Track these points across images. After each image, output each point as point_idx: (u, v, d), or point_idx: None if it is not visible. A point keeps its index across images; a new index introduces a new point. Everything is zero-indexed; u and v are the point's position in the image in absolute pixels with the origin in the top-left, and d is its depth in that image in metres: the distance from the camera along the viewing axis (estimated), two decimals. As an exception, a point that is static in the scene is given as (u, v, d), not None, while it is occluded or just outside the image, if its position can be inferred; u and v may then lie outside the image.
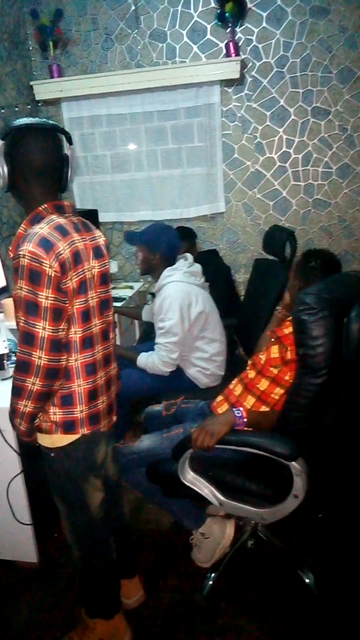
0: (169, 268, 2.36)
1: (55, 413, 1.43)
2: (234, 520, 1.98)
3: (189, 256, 2.48)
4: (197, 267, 2.45)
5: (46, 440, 1.48)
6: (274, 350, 1.78)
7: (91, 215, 3.17)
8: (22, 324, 1.32)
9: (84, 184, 3.69)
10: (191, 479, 1.72)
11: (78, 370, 1.41)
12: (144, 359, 2.36)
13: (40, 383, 1.33)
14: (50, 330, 1.30)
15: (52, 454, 1.49)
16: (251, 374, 1.85)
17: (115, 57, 3.38)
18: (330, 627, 1.75)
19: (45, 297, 1.28)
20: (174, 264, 2.39)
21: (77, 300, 1.37)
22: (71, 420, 1.43)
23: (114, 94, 3.37)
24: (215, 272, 3.21)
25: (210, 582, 1.89)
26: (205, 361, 2.40)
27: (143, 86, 3.27)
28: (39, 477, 1.65)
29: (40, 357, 1.31)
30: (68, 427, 1.44)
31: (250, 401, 1.79)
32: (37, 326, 1.29)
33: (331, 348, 1.48)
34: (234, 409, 1.66)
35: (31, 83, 3.37)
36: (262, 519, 1.72)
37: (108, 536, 1.64)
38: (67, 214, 1.42)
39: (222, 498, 1.71)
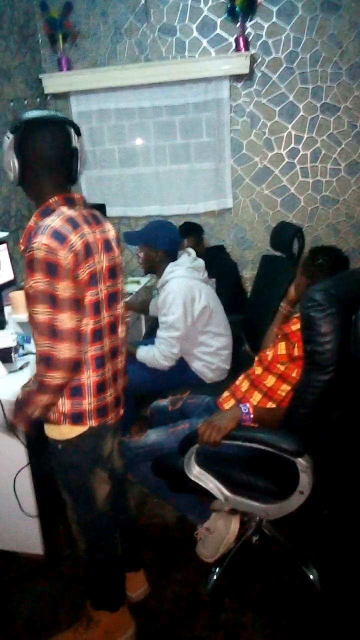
0: (172, 263, 2.36)
1: (64, 404, 1.43)
2: (239, 515, 1.99)
3: (192, 251, 2.48)
4: (200, 262, 2.45)
5: (54, 432, 1.49)
6: (281, 347, 1.78)
7: (98, 210, 3.17)
8: (41, 317, 1.30)
9: (91, 178, 3.68)
10: (197, 473, 1.72)
11: (88, 362, 1.41)
12: (144, 353, 2.36)
13: (63, 375, 1.33)
14: (71, 322, 1.31)
15: (60, 446, 1.49)
16: (258, 370, 1.85)
17: (124, 51, 3.37)
18: (334, 623, 1.75)
19: (63, 289, 1.29)
20: (176, 259, 2.39)
21: (88, 292, 1.37)
22: (79, 411, 1.44)
23: (123, 88, 3.36)
24: (222, 268, 3.21)
25: (215, 577, 1.90)
26: (210, 355, 2.41)
27: (152, 80, 3.26)
28: (46, 469, 1.65)
29: (62, 350, 1.31)
30: (76, 418, 1.44)
31: (256, 397, 1.79)
32: (57, 319, 1.29)
33: (339, 345, 1.47)
34: (240, 405, 1.66)
35: (40, 76, 3.37)
36: (267, 514, 1.73)
37: (114, 530, 1.65)
38: (77, 207, 1.42)
39: (227, 493, 1.72)
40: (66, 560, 2.04)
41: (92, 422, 1.46)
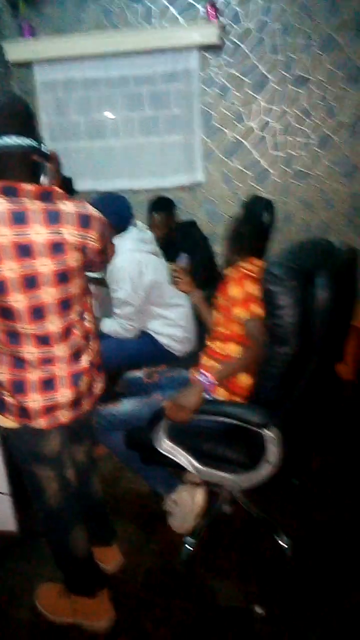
0: (117, 236, 2.34)
1: None
2: (205, 487, 2.01)
3: (140, 223, 2.48)
4: (148, 234, 2.47)
5: None
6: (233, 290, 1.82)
7: (65, 184, 3.09)
8: None
9: (57, 151, 3.56)
10: (167, 447, 1.73)
11: (5, 358, 1.37)
12: (108, 326, 2.41)
13: None
14: None
15: (3, 432, 1.48)
16: (210, 343, 1.89)
17: (89, 17, 3.25)
18: (305, 589, 1.81)
19: None
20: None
21: None
22: (0, 399, 1.41)
23: (89, 56, 3.25)
24: (194, 243, 3.19)
25: (188, 548, 1.93)
26: (171, 327, 2.45)
27: (119, 49, 3.16)
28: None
29: None
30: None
31: (210, 362, 1.83)
32: None
33: (299, 318, 1.49)
34: (200, 375, 1.68)
35: (1, 43, 3.23)
36: (237, 485, 1.75)
37: (71, 526, 1.61)
38: (24, 199, 1.25)
39: (198, 465, 1.73)
40: (41, 536, 2.04)
41: (12, 417, 1.41)
